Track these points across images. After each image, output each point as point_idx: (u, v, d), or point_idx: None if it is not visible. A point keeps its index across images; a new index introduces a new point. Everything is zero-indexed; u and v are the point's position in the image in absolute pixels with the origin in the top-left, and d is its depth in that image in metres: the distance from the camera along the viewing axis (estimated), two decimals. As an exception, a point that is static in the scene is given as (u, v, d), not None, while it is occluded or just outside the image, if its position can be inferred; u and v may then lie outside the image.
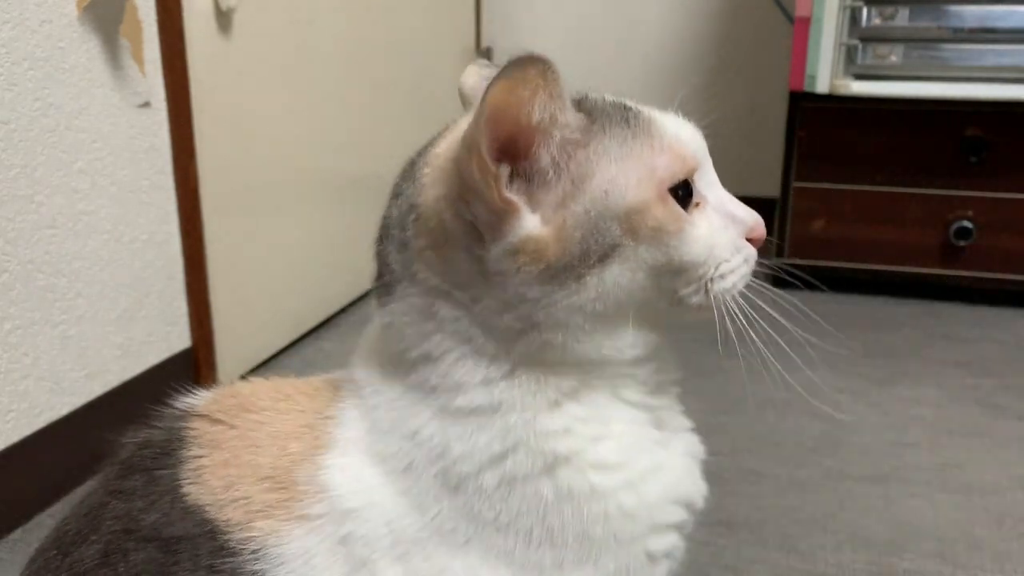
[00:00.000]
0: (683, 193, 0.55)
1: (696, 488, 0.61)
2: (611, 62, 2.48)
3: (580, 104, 0.55)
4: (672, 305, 0.56)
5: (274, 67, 1.55)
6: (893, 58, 1.87)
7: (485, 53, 2.46)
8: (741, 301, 0.57)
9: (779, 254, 1.99)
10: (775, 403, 1.45)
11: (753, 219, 0.58)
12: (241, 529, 0.53)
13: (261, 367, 1.58)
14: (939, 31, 1.86)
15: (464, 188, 0.51)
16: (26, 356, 1.12)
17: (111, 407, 1.25)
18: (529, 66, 0.48)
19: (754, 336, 0.59)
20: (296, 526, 0.53)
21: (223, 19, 1.40)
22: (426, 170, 0.55)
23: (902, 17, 1.86)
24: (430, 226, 0.53)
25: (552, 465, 0.54)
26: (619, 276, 0.53)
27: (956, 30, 1.84)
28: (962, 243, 1.86)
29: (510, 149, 0.51)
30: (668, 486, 0.58)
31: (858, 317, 1.87)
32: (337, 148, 1.79)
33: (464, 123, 0.54)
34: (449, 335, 0.54)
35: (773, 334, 0.59)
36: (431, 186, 0.54)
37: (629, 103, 0.58)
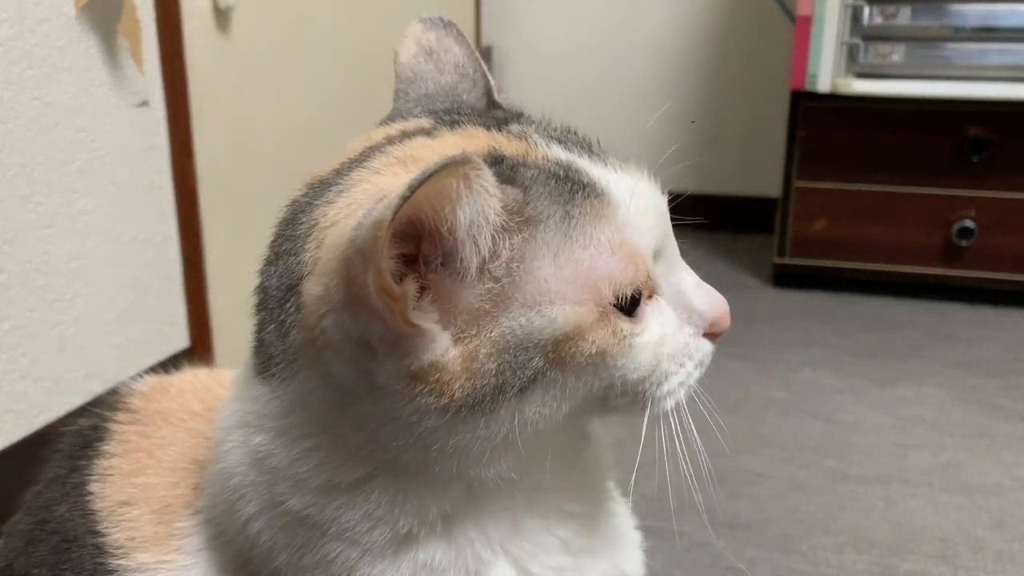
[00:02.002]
0: (629, 296, 0.44)
1: None
2: (611, 61, 2.47)
3: (514, 173, 0.43)
4: (599, 414, 0.49)
5: (273, 66, 1.54)
6: (895, 57, 1.86)
7: (485, 52, 2.45)
8: (683, 410, 0.48)
9: (780, 254, 1.99)
10: (776, 403, 1.45)
11: (715, 312, 0.48)
12: (123, 555, 0.52)
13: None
14: (941, 30, 1.85)
15: (352, 299, 0.41)
16: (24, 356, 1.12)
17: (109, 407, 1.25)
18: (448, 175, 0.39)
19: (681, 448, 0.48)
20: (166, 569, 0.52)
21: (221, 18, 1.39)
22: (311, 245, 0.44)
23: (904, 16, 1.85)
24: (309, 323, 0.43)
25: None
26: (541, 407, 0.44)
27: (958, 29, 1.84)
28: (964, 243, 1.86)
29: (418, 252, 0.41)
30: None
31: (859, 317, 1.86)
32: (336, 147, 1.78)
33: (370, 177, 0.45)
34: (314, 422, 0.45)
35: (700, 447, 0.48)
36: (311, 276, 0.44)
37: (577, 163, 0.46)
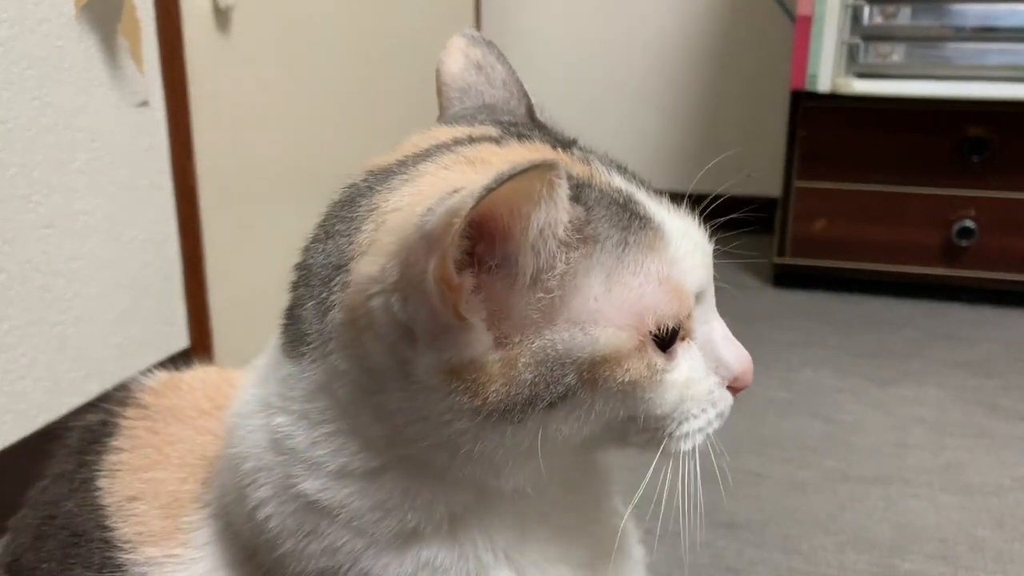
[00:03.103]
0: (670, 329, 0.45)
1: None
2: (611, 61, 2.47)
3: (580, 192, 0.44)
4: (616, 446, 0.49)
5: (273, 66, 1.54)
6: (895, 57, 1.86)
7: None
8: (696, 457, 0.49)
9: (780, 254, 1.98)
10: (776, 403, 1.45)
11: (741, 367, 0.49)
12: (131, 549, 0.52)
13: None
14: (941, 30, 1.85)
15: (406, 283, 0.41)
16: (24, 356, 1.12)
17: (109, 407, 1.25)
18: (534, 177, 0.39)
19: (685, 494, 0.48)
20: (173, 563, 0.52)
21: (221, 18, 1.39)
22: (370, 227, 0.45)
23: (904, 16, 1.85)
24: (354, 303, 0.44)
25: None
26: (563, 425, 0.44)
27: (958, 29, 1.84)
28: (964, 243, 1.86)
29: (479, 249, 0.42)
30: None
31: (859, 317, 1.86)
32: (335, 147, 1.78)
33: (438, 171, 0.46)
34: (338, 407, 0.46)
35: (698, 504, 0.48)
36: (365, 256, 0.44)
37: (636, 195, 0.47)
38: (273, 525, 0.48)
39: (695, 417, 0.48)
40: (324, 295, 0.46)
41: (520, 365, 0.42)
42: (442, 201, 0.39)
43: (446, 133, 0.52)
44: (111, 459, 0.56)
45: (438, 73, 0.57)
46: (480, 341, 0.42)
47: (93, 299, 1.22)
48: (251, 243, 1.54)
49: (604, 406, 0.44)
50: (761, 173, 2.23)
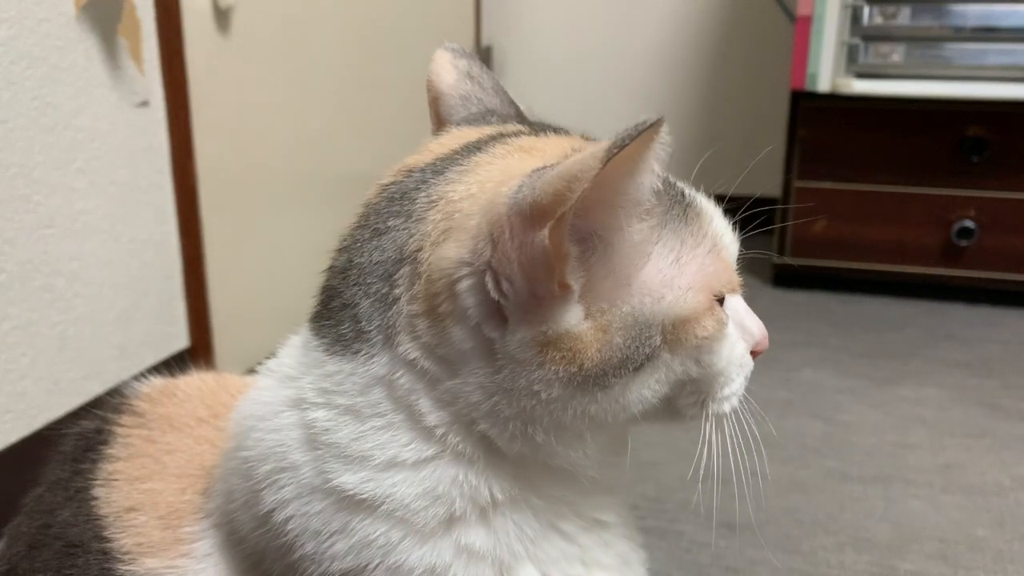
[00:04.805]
0: (725, 292, 0.50)
1: None
2: (611, 61, 2.47)
3: None
4: (664, 418, 0.51)
5: (273, 66, 1.54)
6: (895, 57, 1.86)
7: (485, 52, 2.45)
8: (733, 421, 0.53)
9: (780, 254, 1.98)
10: (776, 403, 1.45)
11: (762, 333, 0.53)
12: (131, 561, 0.52)
13: (260, 367, 1.58)
14: (941, 30, 1.85)
15: (502, 260, 0.42)
16: (24, 356, 1.12)
17: (109, 407, 1.25)
18: (654, 136, 0.41)
19: (735, 451, 0.53)
20: (175, 574, 0.52)
21: (221, 18, 1.39)
22: (435, 216, 0.46)
23: (904, 16, 1.85)
24: (434, 290, 0.45)
25: None
26: (643, 388, 0.47)
27: (958, 29, 1.84)
28: (964, 243, 1.86)
29: (579, 221, 0.43)
30: None
31: (859, 317, 1.86)
32: (335, 147, 1.78)
33: (495, 160, 0.48)
34: (393, 399, 0.46)
35: (749, 459, 0.55)
36: (445, 242, 0.45)
37: (683, 186, 0.51)
38: (292, 527, 0.47)
39: (733, 380, 0.51)
40: (385, 290, 0.46)
41: (613, 330, 0.44)
42: (540, 173, 0.41)
43: (474, 133, 0.53)
44: (107, 468, 0.56)
45: (431, 85, 0.58)
46: (573, 311, 0.44)
47: (93, 299, 1.22)
48: (251, 243, 1.54)
49: (680, 365, 0.48)
50: (761, 173, 2.23)
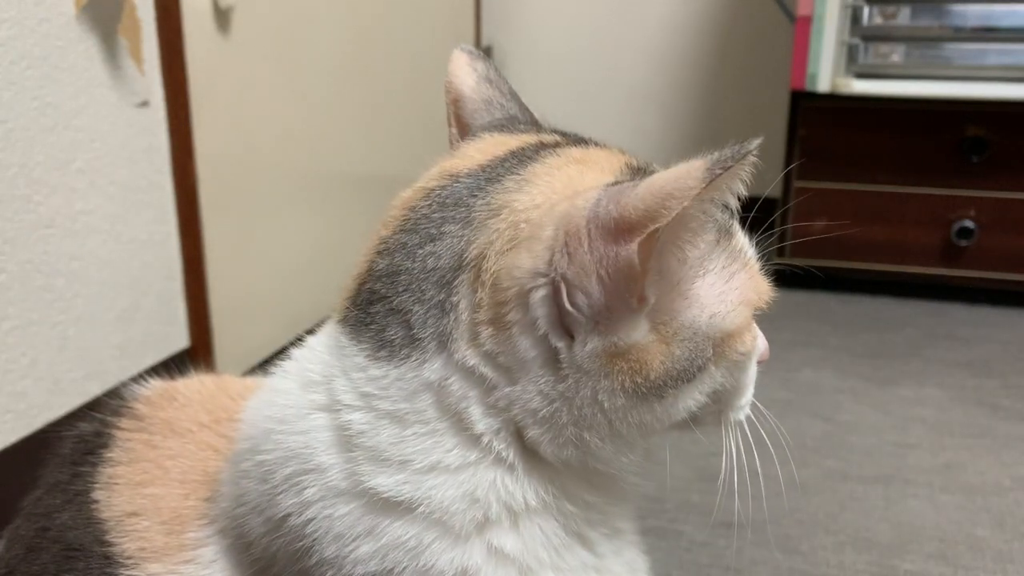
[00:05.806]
0: (761, 307, 0.52)
1: None
2: (611, 61, 2.47)
3: None
4: (683, 427, 0.52)
5: (273, 66, 1.54)
6: (895, 57, 1.86)
7: (485, 52, 2.45)
8: (745, 431, 0.55)
9: (780, 254, 1.98)
10: (776, 403, 1.45)
11: (765, 345, 0.55)
12: (133, 566, 0.52)
13: (260, 367, 1.58)
14: (941, 30, 1.85)
15: (579, 272, 0.43)
16: (24, 356, 1.12)
17: (109, 407, 1.25)
18: (751, 159, 0.43)
19: (743, 463, 0.55)
20: None
21: (222, 18, 1.39)
22: (499, 225, 0.46)
23: (904, 16, 1.85)
24: (501, 299, 0.45)
25: None
26: (689, 398, 0.49)
27: (958, 29, 1.84)
28: (964, 243, 1.86)
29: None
30: None
31: (859, 317, 1.86)
32: (336, 147, 1.78)
33: (553, 171, 0.48)
34: (441, 407, 0.46)
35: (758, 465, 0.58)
36: (515, 252, 0.45)
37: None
38: (311, 531, 0.47)
39: (748, 391, 0.54)
40: (441, 297, 0.46)
41: (675, 342, 0.46)
42: (621, 189, 0.42)
43: (513, 140, 0.53)
44: (106, 471, 0.56)
45: (451, 86, 0.57)
46: (644, 323, 0.45)
47: (93, 299, 1.22)
48: (251, 243, 1.54)
49: (721, 377, 0.50)
50: (761, 173, 2.23)
